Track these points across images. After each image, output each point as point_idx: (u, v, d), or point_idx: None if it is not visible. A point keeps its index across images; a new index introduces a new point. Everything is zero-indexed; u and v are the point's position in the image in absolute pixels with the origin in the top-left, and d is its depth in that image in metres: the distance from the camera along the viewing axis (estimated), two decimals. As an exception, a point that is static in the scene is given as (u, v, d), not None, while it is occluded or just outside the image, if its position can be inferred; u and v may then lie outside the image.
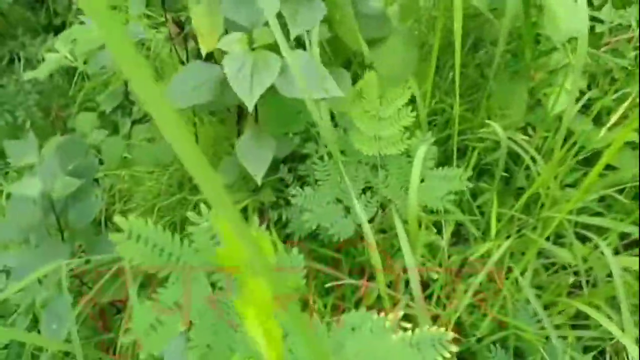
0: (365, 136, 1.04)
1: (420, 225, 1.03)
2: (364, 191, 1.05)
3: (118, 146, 1.55)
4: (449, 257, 1.18)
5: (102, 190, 1.74)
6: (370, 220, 1.14)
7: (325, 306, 1.15)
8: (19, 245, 1.49)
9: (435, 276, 1.09)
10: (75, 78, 2.15)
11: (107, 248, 1.38)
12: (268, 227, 1.25)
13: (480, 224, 1.22)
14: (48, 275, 1.32)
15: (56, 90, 2.47)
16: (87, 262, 1.32)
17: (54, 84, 2.49)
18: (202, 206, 0.69)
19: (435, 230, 1.17)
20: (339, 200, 1.04)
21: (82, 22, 2.03)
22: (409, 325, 0.74)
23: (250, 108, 0.90)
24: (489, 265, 1.03)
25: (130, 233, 0.69)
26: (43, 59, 1.75)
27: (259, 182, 1.03)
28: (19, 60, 2.64)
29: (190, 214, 0.69)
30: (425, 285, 1.17)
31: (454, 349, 0.70)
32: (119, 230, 0.69)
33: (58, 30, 2.67)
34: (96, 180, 1.70)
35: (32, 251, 1.44)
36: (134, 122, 1.69)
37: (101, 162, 1.70)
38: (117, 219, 0.67)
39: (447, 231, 1.15)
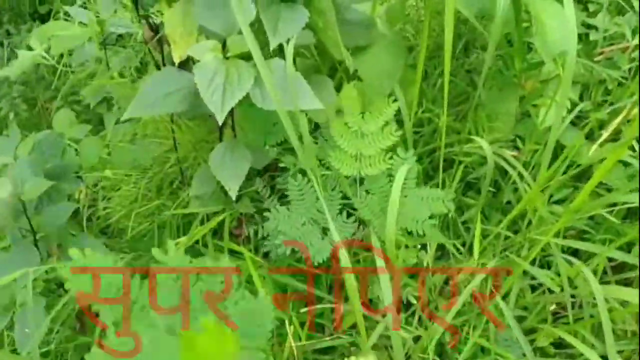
0: (346, 154, 0.99)
1: (400, 247, 0.98)
2: (341, 210, 1.00)
3: (96, 146, 1.50)
4: (432, 274, 1.14)
5: (85, 186, 1.70)
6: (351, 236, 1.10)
7: (302, 325, 1.11)
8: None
9: (414, 300, 1.05)
10: (59, 70, 2.10)
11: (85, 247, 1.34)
12: (247, 240, 1.21)
13: (465, 239, 1.18)
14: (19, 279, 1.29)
15: (42, 82, 2.41)
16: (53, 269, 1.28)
17: (39, 75, 2.42)
18: (170, 243, 0.63)
19: (419, 246, 1.13)
20: (314, 221, 1.00)
21: (66, 13, 1.97)
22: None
23: (220, 122, 0.86)
24: (470, 287, 0.99)
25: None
26: (29, 48, 1.70)
27: (234, 197, 0.99)
28: (3, 48, 2.58)
29: (155, 251, 0.63)
30: (408, 304, 1.14)
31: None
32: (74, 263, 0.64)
33: (44, 18, 2.61)
34: (80, 176, 1.66)
35: (5, 253, 1.40)
36: (116, 122, 1.64)
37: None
38: (72, 252, 0.62)
39: (431, 248, 1.11)
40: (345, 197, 1.02)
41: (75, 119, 1.64)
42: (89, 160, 1.50)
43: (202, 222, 1.26)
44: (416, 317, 1.12)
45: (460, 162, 1.16)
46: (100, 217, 1.60)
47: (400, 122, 1.19)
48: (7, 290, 1.43)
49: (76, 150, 1.69)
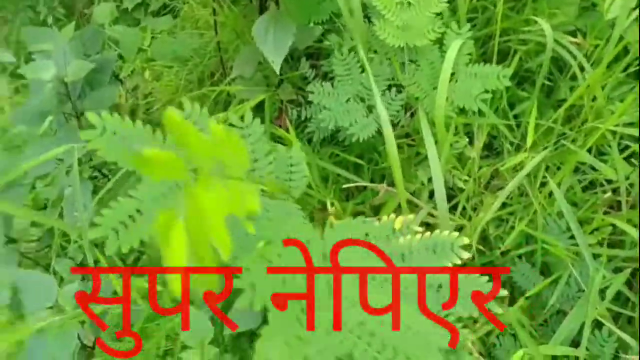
0: (391, 25, 0.93)
1: (449, 129, 0.94)
2: (388, 88, 0.96)
3: (135, 37, 1.48)
4: (479, 168, 1.11)
5: (125, 90, 1.69)
6: (396, 124, 1.06)
7: (344, 210, 1.09)
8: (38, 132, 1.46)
9: (461, 185, 1.02)
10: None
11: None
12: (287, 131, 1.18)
13: (515, 135, 1.13)
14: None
15: (80, -12, 2.37)
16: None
17: (78, -19, 2.39)
18: (185, 100, 0.59)
19: (467, 140, 1.08)
20: (360, 98, 0.96)
21: None
22: (419, 229, 0.68)
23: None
24: (522, 175, 0.95)
25: (103, 129, 0.58)
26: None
27: (277, 69, 0.95)
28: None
29: (171, 109, 0.59)
30: (451, 197, 1.11)
31: (466, 255, 0.64)
32: (91, 127, 0.59)
33: None
34: (120, 80, 1.65)
35: (49, 137, 1.41)
36: (153, 14, 1.61)
37: (120, 57, 1.64)
38: (89, 115, 0.57)
39: (480, 139, 1.07)
40: (393, 78, 0.97)
41: (116, 10, 1.61)
42: (129, 51, 1.48)
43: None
44: (459, 209, 1.09)
45: (515, 52, 1.09)
46: (142, 118, 1.59)
47: (453, 11, 1.13)
48: (57, 183, 1.45)
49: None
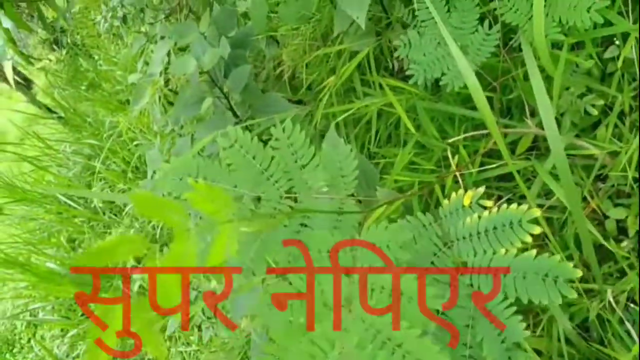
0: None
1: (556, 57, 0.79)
2: (480, 22, 0.83)
3: (262, 8, 1.51)
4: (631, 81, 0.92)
5: (281, 49, 1.76)
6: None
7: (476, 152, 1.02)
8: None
9: (593, 110, 0.86)
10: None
11: (268, 108, 1.42)
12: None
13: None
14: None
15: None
16: (248, 128, 1.38)
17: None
18: (288, 122, 0.69)
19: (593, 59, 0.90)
20: (449, 41, 0.85)
21: None
22: (489, 204, 0.60)
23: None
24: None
25: (235, 141, 0.73)
26: None
27: (363, 25, 0.90)
28: None
29: (274, 130, 0.70)
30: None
31: (537, 230, 0.56)
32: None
33: None
34: (277, 42, 1.72)
35: (207, 121, 1.55)
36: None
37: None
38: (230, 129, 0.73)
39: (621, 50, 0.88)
40: (483, 2, 0.84)
41: (244, -13, 1.65)
42: (259, 22, 1.52)
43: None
44: (609, 131, 0.93)
45: None
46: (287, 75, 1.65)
47: None
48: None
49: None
